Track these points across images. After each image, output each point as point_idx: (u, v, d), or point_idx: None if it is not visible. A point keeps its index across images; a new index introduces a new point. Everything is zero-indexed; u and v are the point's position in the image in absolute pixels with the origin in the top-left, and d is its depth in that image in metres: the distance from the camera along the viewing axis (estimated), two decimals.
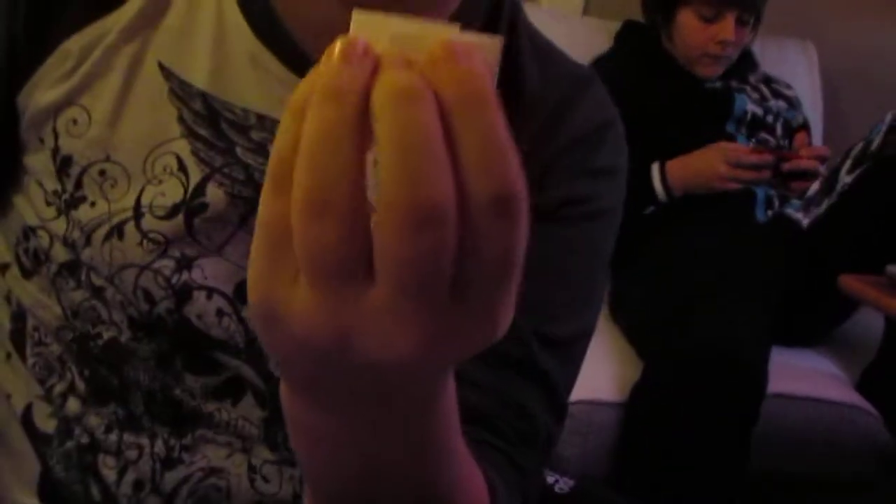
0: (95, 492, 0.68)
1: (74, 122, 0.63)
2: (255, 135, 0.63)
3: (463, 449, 0.45)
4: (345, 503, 0.44)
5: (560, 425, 0.68)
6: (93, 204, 0.63)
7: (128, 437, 0.67)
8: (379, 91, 0.30)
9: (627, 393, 1.61)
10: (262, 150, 0.63)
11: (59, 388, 0.68)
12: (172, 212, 0.62)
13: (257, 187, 0.62)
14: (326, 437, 0.40)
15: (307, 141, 0.31)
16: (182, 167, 0.62)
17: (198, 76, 0.62)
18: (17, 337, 0.69)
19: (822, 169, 1.88)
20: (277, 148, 0.32)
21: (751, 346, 1.60)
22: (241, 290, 0.63)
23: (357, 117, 0.30)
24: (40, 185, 0.64)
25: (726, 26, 1.96)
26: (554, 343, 0.65)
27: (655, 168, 1.91)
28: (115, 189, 0.63)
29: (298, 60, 0.62)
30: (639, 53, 2.10)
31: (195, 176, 0.62)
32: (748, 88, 2.09)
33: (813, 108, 2.35)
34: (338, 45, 0.31)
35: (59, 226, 0.64)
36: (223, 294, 0.63)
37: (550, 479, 0.84)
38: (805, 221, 1.87)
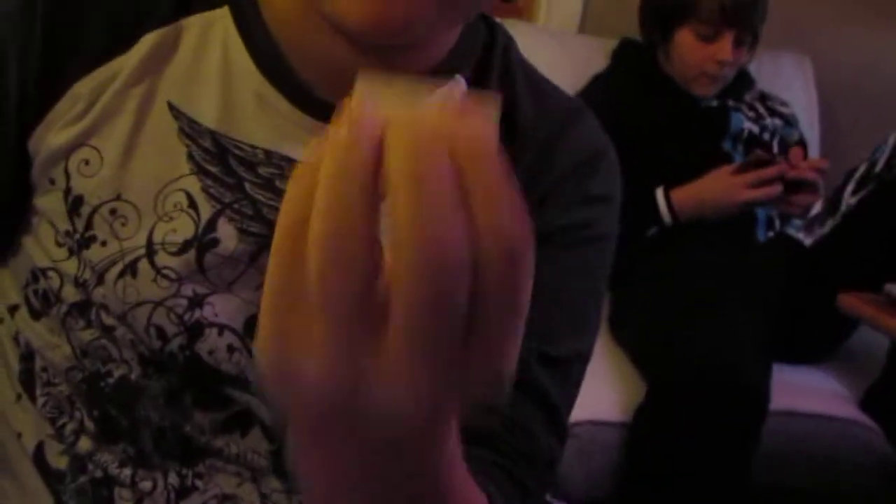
0: None
1: (86, 162, 0.63)
2: (263, 170, 0.64)
3: (467, 483, 0.46)
4: None
5: (562, 446, 0.69)
6: (104, 243, 0.63)
7: (141, 472, 0.68)
8: (392, 141, 0.31)
9: (630, 413, 1.61)
10: (269, 185, 0.64)
11: (70, 427, 0.68)
12: (184, 248, 0.63)
13: (266, 222, 0.63)
14: (332, 485, 0.41)
15: (321, 202, 0.31)
16: (192, 204, 0.63)
17: (206, 115, 0.63)
18: (27, 377, 0.69)
19: (821, 181, 1.90)
20: (286, 211, 0.33)
21: (753, 366, 1.61)
22: (250, 325, 0.64)
23: (369, 190, 0.31)
24: (52, 225, 0.65)
25: (724, 46, 1.97)
26: (554, 364, 0.66)
27: (660, 194, 1.92)
28: (126, 227, 0.63)
29: (304, 98, 0.63)
30: (635, 72, 2.11)
31: (206, 212, 0.63)
32: (744, 107, 2.10)
33: (809, 123, 2.36)
34: (346, 116, 0.32)
35: (71, 266, 0.64)
36: (233, 330, 0.64)
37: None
38: (808, 241, 1.88)
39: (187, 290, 0.63)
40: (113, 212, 0.63)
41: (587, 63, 2.18)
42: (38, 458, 0.69)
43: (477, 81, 0.68)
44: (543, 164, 0.68)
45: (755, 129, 2.08)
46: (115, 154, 0.63)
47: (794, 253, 1.90)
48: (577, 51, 2.27)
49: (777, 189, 1.88)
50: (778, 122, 2.14)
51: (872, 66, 2.59)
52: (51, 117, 0.63)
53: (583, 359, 0.71)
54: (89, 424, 0.68)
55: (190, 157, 0.63)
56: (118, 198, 0.63)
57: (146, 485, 0.68)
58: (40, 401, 0.69)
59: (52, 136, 0.63)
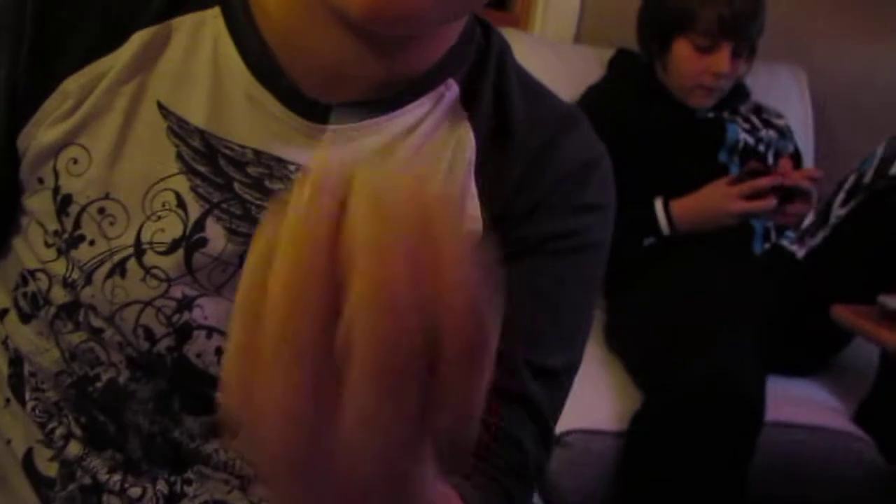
0: None
1: (75, 161, 0.63)
2: (252, 170, 0.63)
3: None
4: None
5: (549, 455, 0.69)
6: (91, 242, 0.63)
7: (130, 479, 0.67)
8: (352, 208, 0.30)
9: (626, 422, 1.61)
10: (258, 185, 0.63)
11: (59, 432, 0.68)
12: (172, 247, 0.62)
13: (255, 222, 0.63)
14: None
15: (278, 266, 0.31)
16: (181, 203, 0.63)
17: (196, 114, 0.63)
18: (16, 381, 0.69)
19: (815, 190, 1.90)
20: (249, 266, 0.32)
21: (749, 376, 1.61)
22: None
23: (327, 254, 0.30)
24: (41, 225, 0.64)
25: (721, 58, 1.97)
26: (544, 374, 0.66)
27: (659, 204, 1.93)
28: (114, 227, 0.63)
29: (294, 98, 0.63)
30: (631, 82, 2.11)
31: (194, 212, 0.63)
32: (739, 119, 2.11)
33: (804, 133, 2.37)
34: (308, 177, 0.31)
35: (59, 267, 0.64)
36: (222, 333, 0.64)
37: None
38: (800, 253, 1.88)
39: (176, 291, 0.63)
40: (101, 211, 0.63)
41: (583, 73, 2.18)
42: (28, 464, 0.69)
43: (471, 84, 0.68)
44: (537, 170, 0.68)
45: (750, 140, 2.08)
46: (103, 153, 0.63)
47: (787, 265, 1.90)
48: (573, 60, 2.27)
49: (771, 201, 1.89)
50: (773, 133, 2.14)
51: (867, 77, 2.60)
52: (39, 115, 0.63)
53: (573, 369, 0.71)
54: (77, 431, 0.67)
55: (179, 156, 0.63)
56: (106, 197, 0.63)
57: (135, 491, 0.67)
58: (29, 405, 0.68)
59: (40, 133, 0.63)
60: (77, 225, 0.63)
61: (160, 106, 0.63)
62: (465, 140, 0.67)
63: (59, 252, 0.64)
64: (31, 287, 0.66)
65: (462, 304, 0.30)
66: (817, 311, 1.70)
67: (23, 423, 0.69)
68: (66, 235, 0.63)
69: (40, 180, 0.64)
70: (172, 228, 0.62)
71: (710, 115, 2.07)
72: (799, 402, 1.76)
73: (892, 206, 1.75)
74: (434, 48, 0.66)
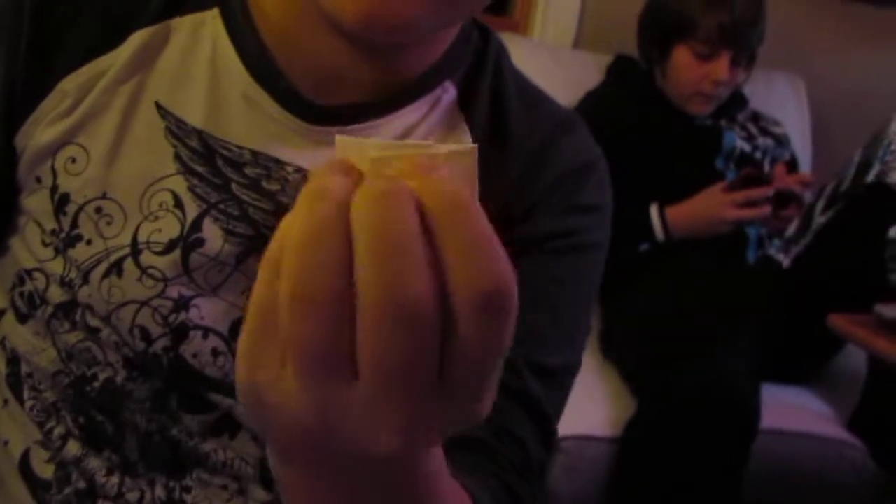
0: None
1: (73, 160, 0.63)
2: (250, 171, 0.63)
3: (451, 498, 0.45)
4: None
5: (551, 455, 0.69)
6: (89, 242, 0.63)
7: (128, 482, 0.67)
8: (358, 195, 0.31)
9: (620, 428, 1.61)
10: (256, 186, 0.63)
11: (57, 432, 0.68)
12: (169, 247, 0.62)
13: (252, 223, 0.63)
14: (310, 497, 0.40)
15: (294, 236, 0.31)
16: (178, 203, 0.63)
17: (194, 115, 0.63)
18: (14, 380, 0.69)
19: (808, 195, 1.91)
20: (274, 241, 0.33)
21: (743, 383, 1.61)
22: (235, 329, 0.64)
23: (341, 215, 0.31)
24: (38, 224, 0.64)
25: (721, 66, 1.97)
26: (545, 373, 0.66)
27: (654, 210, 1.93)
28: (111, 226, 0.63)
29: (292, 99, 0.63)
30: (630, 88, 2.12)
31: (192, 212, 0.63)
32: (737, 126, 2.11)
33: (802, 142, 2.37)
34: (318, 174, 0.32)
35: (57, 266, 0.64)
36: (219, 334, 0.64)
37: None
38: (786, 262, 1.88)
39: (173, 291, 0.63)
40: (98, 210, 0.63)
41: (582, 78, 2.18)
42: (24, 466, 0.69)
43: (468, 87, 0.68)
44: (534, 171, 0.68)
45: (747, 147, 2.09)
46: (101, 152, 0.63)
47: (777, 272, 1.90)
48: (572, 66, 2.27)
49: (766, 209, 1.90)
50: (770, 141, 2.14)
51: (865, 86, 2.60)
52: (38, 114, 0.63)
53: (573, 369, 0.71)
54: (75, 432, 0.67)
55: (177, 156, 0.63)
56: (104, 196, 0.63)
57: (133, 496, 0.67)
58: (28, 404, 0.68)
59: (38, 133, 0.63)
60: (74, 224, 0.63)
61: (158, 106, 0.63)
62: (463, 142, 0.67)
63: (57, 251, 0.64)
64: (29, 286, 0.66)
65: (478, 290, 0.31)
66: (806, 318, 1.71)
67: (21, 423, 0.69)
68: (63, 235, 0.63)
69: (38, 179, 0.64)
70: (169, 228, 0.62)
71: (708, 122, 2.08)
72: (792, 410, 1.76)
73: (869, 212, 1.75)
74: (430, 52, 0.66)
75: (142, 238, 0.62)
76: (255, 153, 0.63)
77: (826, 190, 1.86)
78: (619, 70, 2.19)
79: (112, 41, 0.63)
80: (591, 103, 2.08)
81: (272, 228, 0.62)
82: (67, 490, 0.68)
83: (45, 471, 0.68)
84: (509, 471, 0.63)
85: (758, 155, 2.10)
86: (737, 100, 2.13)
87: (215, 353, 0.64)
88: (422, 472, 0.39)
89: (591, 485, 1.59)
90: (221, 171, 0.63)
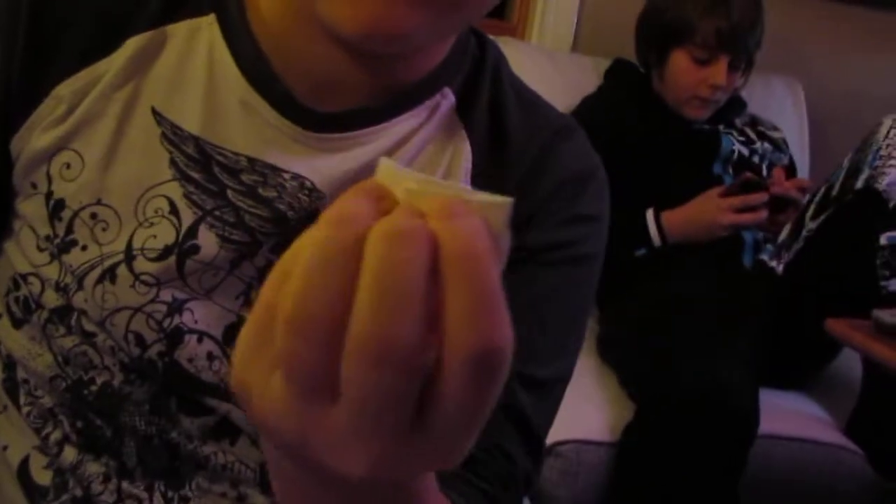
0: None
1: (68, 166, 0.63)
2: (246, 178, 0.63)
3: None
4: None
5: (538, 468, 0.68)
6: (84, 248, 0.63)
7: (126, 488, 0.67)
8: (375, 229, 0.31)
9: (618, 433, 1.61)
10: (252, 192, 0.63)
11: (55, 437, 0.67)
12: (164, 254, 0.62)
13: (247, 230, 0.63)
14: (299, 486, 0.41)
15: (306, 256, 0.31)
16: (174, 210, 0.62)
17: (190, 121, 0.63)
18: (10, 386, 0.68)
19: (805, 199, 1.91)
20: (294, 246, 0.33)
21: (742, 387, 1.60)
22: (230, 333, 0.64)
23: (356, 246, 0.31)
24: (33, 230, 0.64)
25: (719, 70, 1.97)
26: (535, 384, 0.66)
27: (650, 215, 1.93)
28: (107, 232, 0.63)
29: (288, 105, 0.63)
30: (627, 92, 2.12)
31: (187, 218, 0.63)
32: (735, 131, 2.11)
33: (800, 147, 2.37)
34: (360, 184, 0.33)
35: (52, 271, 0.64)
36: (213, 338, 0.63)
37: None
38: (779, 268, 1.88)
39: (166, 295, 0.62)
40: (94, 216, 0.63)
41: (579, 82, 2.18)
42: (22, 472, 0.69)
43: (467, 94, 0.68)
44: (532, 180, 0.68)
45: (745, 152, 2.09)
46: (96, 158, 0.62)
47: (772, 278, 1.90)
48: (570, 70, 2.27)
49: (763, 214, 1.90)
50: (767, 146, 2.14)
51: (862, 90, 2.61)
52: (33, 120, 0.63)
53: (564, 380, 0.70)
54: (72, 436, 0.67)
55: (172, 162, 0.63)
56: (99, 202, 0.63)
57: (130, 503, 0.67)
58: (25, 409, 0.68)
59: (34, 138, 0.63)
60: (69, 230, 0.63)
61: (154, 112, 0.63)
62: (462, 149, 0.67)
63: (52, 256, 0.64)
64: (24, 291, 0.65)
65: (470, 352, 0.31)
66: (801, 324, 1.71)
67: (19, 428, 0.68)
68: (58, 240, 0.63)
69: (33, 185, 0.64)
70: (165, 235, 0.62)
71: (706, 126, 2.08)
72: (789, 415, 1.76)
73: (858, 218, 1.75)
74: (428, 59, 0.65)
75: (136, 244, 0.62)
76: (251, 160, 0.63)
77: (816, 195, 1.86)
78: (617, 74, 2.19)
79: (107, 45, 0.63)
80: (589, 107, 2.08)
81: (268, 235, 0.63)
82: (64, 497, 0.67)
83: (43, 477, 0.68)
84: (495, 483, 0.62)
85: (755, 159, 2.10)
86: (735, 104, 2.13)
87: (210, 357, 0.64)
88: (405, 492, 0.39)
89: (590, 489, 1.59)
90: (217, 178, 0.63)
